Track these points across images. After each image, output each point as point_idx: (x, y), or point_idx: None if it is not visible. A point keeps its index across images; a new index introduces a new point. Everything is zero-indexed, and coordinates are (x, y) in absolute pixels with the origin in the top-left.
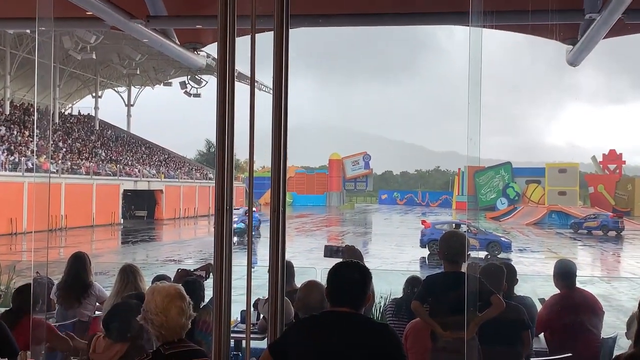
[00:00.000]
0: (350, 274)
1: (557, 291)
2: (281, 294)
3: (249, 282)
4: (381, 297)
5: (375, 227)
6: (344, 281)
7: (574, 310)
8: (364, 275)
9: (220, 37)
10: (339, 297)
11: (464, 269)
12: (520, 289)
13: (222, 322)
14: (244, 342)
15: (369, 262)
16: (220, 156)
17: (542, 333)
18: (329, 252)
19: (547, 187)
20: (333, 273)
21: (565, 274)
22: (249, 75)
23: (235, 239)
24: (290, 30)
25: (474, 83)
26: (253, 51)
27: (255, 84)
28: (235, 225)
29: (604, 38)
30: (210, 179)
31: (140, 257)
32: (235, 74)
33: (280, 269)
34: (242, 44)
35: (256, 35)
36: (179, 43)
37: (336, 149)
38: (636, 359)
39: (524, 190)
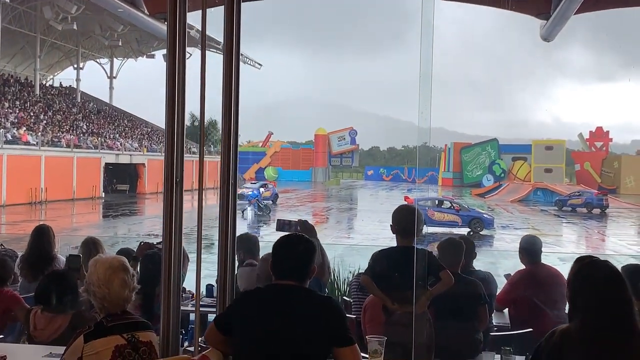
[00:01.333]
0: (294, 247)
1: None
2: (231, 268)
3: (199, 257)
4: (350, 273)
5: (360, 203)
6: (287, 254)
7: (538, 285)
8: (309, 248)
9: (170, 8)
10: (282, 270)
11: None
12: (501, 266)
13: (170, 295)
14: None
15: (352, 238)
16: (169, 127)
17: (507, 309)
18: (281, 226)
19: (533, 164)
20: (277, 246)
21: (529, 249)
22: (222, 48)
23: (248, 210)
24: (253, 3)
25: (425, 58)
26: (204, 24)
27: (241, 56)
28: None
29: (577, 13)
30: (194, 153)
31: (121, 231)
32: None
33: (231, 243)
34: (215, 15)
35: (237, 4)
36: (148, 13)
37: (323, 124)
38: (570, 333)
39: (510, 167)
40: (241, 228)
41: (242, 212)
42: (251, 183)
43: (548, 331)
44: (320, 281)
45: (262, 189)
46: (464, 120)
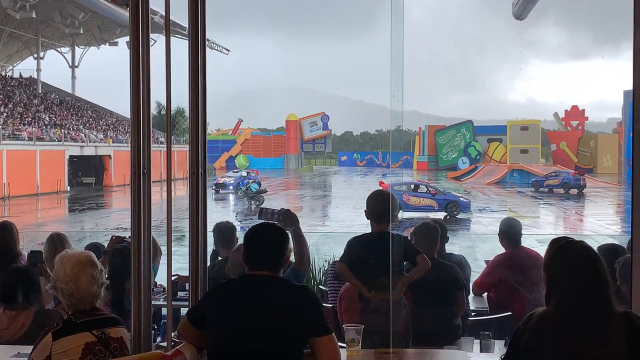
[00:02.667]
0: (266, 236)
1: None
2: (203, 261)
3: (169, 250)
4: (326, 261)
5: (334, 190)
6: (259, 244)
7: (517, 269)
8: (281, 237)
9: None
10: (255, 260)
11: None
12: (479, 250)
13: (141, 289)
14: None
15: (327, 226)
16: (135, 116)
17: (486, 293)
18: (264, 214)
19: (508, 145)
20: (248, 236)
21: (509, 232)
22: (187, 34)
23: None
24: None
25: (396, 40)
26: (167, 9)
27: (208, 42)
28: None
29: None
30: (161, 142)
31: (88, 225)
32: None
33: (202, 235)
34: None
35: None
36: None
37: (294, 109)
38: (547, 316)
39: (485, 149)
40: (226, 219)
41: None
42: (233, 172)
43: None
44: (299, 272)
45: (246, 176)
46: (438, 103)
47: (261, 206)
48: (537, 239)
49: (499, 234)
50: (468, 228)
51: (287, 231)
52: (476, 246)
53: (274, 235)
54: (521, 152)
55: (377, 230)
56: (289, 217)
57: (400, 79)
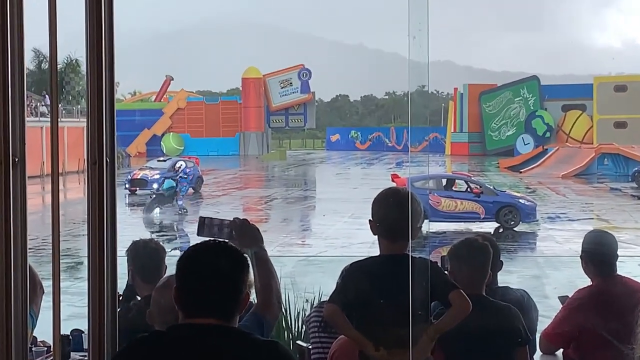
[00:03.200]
0: (212, 262)
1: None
2: (111, 301)
3: (56, 285)
4: (306, 302)
5: (320, 188)
6: (202, 275)
7: (610, 311)
8: (236, 263)
9: None
10: (195, 301)
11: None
12: (549, 281)
13: (11, 350)
14: None
15: (309, 246)
16: None
17: (562, 349)
18: (203, 227)
19: (596, 115)
20: (185, 262)
21: (599, 254)
22: None
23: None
24: None
25: None
26: None
27: None
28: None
29: None
30: (42, 114)
31: None
32: None
33: (109, 261)
34: None
35: None
36: None
37: (255, 61)
38: None
39: (559, 121)
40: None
41: (147, 209)
42: (158, 161)
43: None
44: (264, 318)
45: (185, 167)
46: (483, 49)
47: (202, 216)
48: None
49: (581, 257)
50: (533, 247)
51: (245, 254)
52: (546, 276)
53: (225, 261)
54: (616, 126)
55: (389, 251)
56: (246, 233)
57: (425, 11)
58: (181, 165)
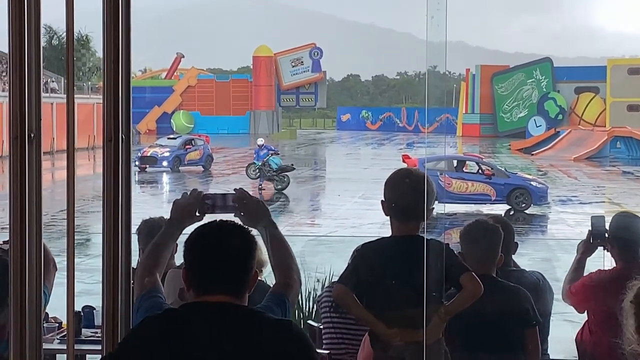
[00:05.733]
0: (222, 241)
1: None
2: (124, 281)
3: (70, 262)
4: (317, 282)
5: (330, 168)
6: (212, 254)
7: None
8: (245, 241)
9: None
10: (207, 280)
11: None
12: (560, 264)
13: (25, 325)
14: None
15: (319, 226)
16: (16, 51)
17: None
18: (211, 204)
19: (609, 98)
20: (193, 243)
21: (625, 237)
22: None
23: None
24: None
25: None
26: None
27: None
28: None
29: None
30: (53, 91)
31: None
32: None
33: (124, 238)
34: None
35: None
36: None
37: (266, 40)
38: None
39: (572, 103)
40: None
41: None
42: (168, 138)
43: None
44: (286, 298)
45: (190, 145)
46: (496, 30)
47: (205, 192)
48: None
49: (608, 239)
50: (544, 230)
51: (252, 232)
52: (556, 259)
53: (234, 240)
54: (629, 110)
55: (401, 232)
56: (252, 208)
57: None
58: (194, 142)
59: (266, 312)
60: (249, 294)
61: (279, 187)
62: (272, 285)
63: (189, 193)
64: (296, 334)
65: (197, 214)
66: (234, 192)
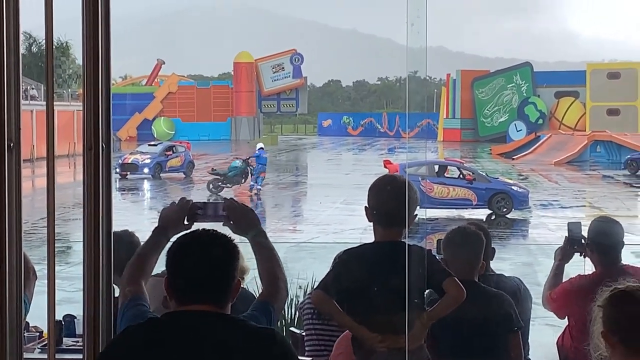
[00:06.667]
0: (205, 250)
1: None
2: (107, 286)
3: (51, 270)
4: (299, 288)
5: (312, 174)
6: (194, 263)
7: None
8: (228, 251)
9: None
10: (189, 289)
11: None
12: (542, 269)
13: (5, 335)
14: None
15: (300, 232)
16: None
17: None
18: (199, 214)
19: (589, 102)
20: (175, 252)
21: (604, 241)
22: None
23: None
24: None
25: None
26: None
27: None
28: None
29: None
30: (32, 98)
31: None
32: None
33: (105, 246)
34: None
35: None
36: None
37: (247, 45)
38: None
39: (552, 108)
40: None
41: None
42: (149, 145)
43: None
44: (271, 307)
45: (170, 152)
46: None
47: (194, 201)
48: (634, 251)
49: (587, 244)
50: (525, 234)
51: (234, 241)
52: (538, 263)
53: (215, 249)
54: (609, 114)
55: (384, 238)
56: (241, 216)
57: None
58: (175, 148)
59: (250, 321)
60: (231, 302)
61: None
62: (253, 293)
63: (177, 202)
64: (279, 342)
65: (186, 222)
66: (224, 202)
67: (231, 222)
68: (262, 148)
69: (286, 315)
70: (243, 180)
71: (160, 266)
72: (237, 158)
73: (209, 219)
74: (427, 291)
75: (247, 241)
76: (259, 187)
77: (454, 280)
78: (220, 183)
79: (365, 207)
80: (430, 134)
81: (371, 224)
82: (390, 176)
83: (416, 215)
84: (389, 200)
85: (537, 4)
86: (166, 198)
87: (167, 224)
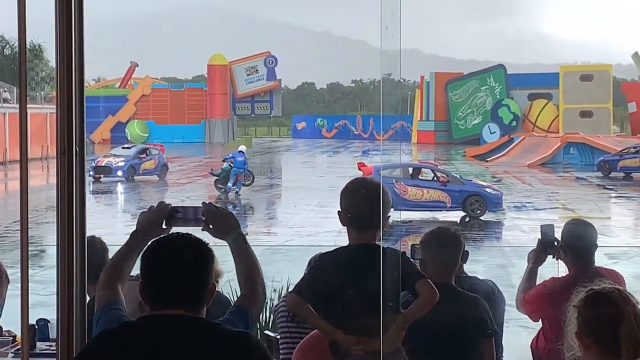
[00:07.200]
0: (180, 254)
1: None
2: (80, 290)
3: (25, 274)
4: (274, 291)
5: (286, 177)
6: (170, 268)
7: None
8: (202, 255)
9: None
10: (164, 294)
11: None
12: (516, 271)
13: None
14: None
15: (275, 235)
16: None
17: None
18: (177, 218)
19: (562, 104)
20: (150, 256)
21: (578, 244)
22: None
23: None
24: None
25: None
26: None
27: None
28: None
29: None
30: (4, 101)
31: None
32: None
33: (79, 249)
34: None
35: None
36: None
37: (221, 47)
38: None
39: (525, 110)
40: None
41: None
42: (122, 148)
43: None
44: (249, 312)
45: (144, 155)
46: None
47: (173, 205)
48: (607, 252)
49: (560, 247)
50: (499, 236)
51: (209, 245)
52: (512, 265)
53: (190, 253)
54: (582, 116)
55: (358, 241)
56: (220, 220)
57: (398, 2)
58: (148, 151)
59: (225, 325)
60: (206, 306)
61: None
62: (228, 296)
63: (155, 205)
64: (253, 345)
65: (164, 226)
66: (205, 204)
67: (210, 226)
68: (241, 151)
69: (261, 319)
70: (230, 183)
71: (137, 269)
72: (225, 161)
73: (187, 223)
74: (402, 293)
75: (222, 244)
76: (237, 189)
77: (427, 282)
78: (219, 184)
79: (339, 211)
80: (404, 136)
81: (344, 227)
82: (363, 179)
83: (389, 217)
84: (362, 203)
85: (511, 7)
86: (140, 201)
87: (145, 228)
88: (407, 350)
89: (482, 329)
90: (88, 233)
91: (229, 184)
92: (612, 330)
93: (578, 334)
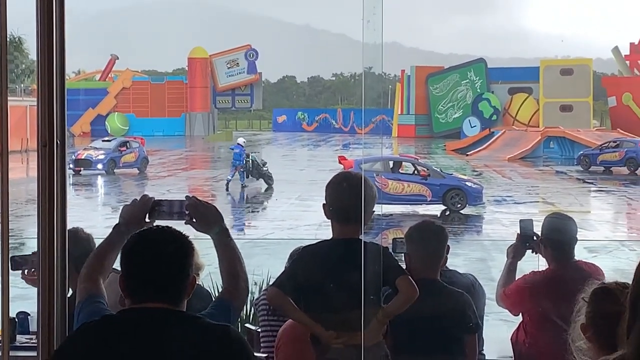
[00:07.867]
0: (160, 248)
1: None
2: (61, 283)
3: (4, 267)
4: (255, 284)
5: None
6: (149, 262)
7: (563, 296)
8: (182, 249)
9: None
10: (143, 287)
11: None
12: (496, 264)
13: None
14: None
15: (255, 228)
16: None
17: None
18: (160, 211)
19: (542, 98)
20: (130, 249)
21: (556, 237)
22: None
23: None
24: None
25: None
26: None
27: None
28: None
29: None
30: None
31: None
32: None
33: (59, 242)
34: None
35: None
36: None
37: (201, 41)
38: None
39: (506, 104)
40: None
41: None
42: (103, 141)
43: None
44: (231, 306)
45: (125, 148)
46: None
47: (156, 198)
48: (587, 246)
49: (541, 241)
50: (479, 230)
51: (189, 238)
52: (492, 258)
53: (170, 246)
54: (562, 110)
55: (341, 235)
56: (203, 214)
57: None
58: (129, 144)
59: (205, 318)
60: (187, 299)
61: (271, 182)
62: (209, 290)
63: (138, 199)
64: (234, 338)
65: (147, 220)
66: (185, 199)
67: (193, 220)
68: (239, 143)
69: (241, 312)
70: (230, 176)
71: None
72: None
73: (170, 216)
74: (383, 288)
75: (202, 237)
76: (240, 182)
77: (407, 279)
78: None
79: (323, 204)
80: (385, 129)
81: (326, 220)
82: (347, 173)
83: (374, 211)
84: (345, 197)
85: (492, 1)
86: (120, 194)
87: (128, 221)
88: (390, 345)
89: (466, 324)
90: (69, 226)
91: (228, 177)
92: (614, 326)
93: (584, 326)
